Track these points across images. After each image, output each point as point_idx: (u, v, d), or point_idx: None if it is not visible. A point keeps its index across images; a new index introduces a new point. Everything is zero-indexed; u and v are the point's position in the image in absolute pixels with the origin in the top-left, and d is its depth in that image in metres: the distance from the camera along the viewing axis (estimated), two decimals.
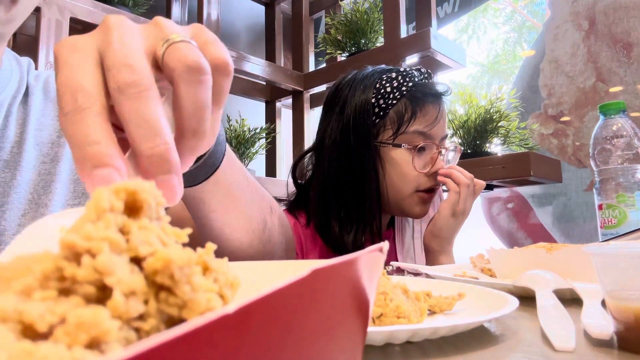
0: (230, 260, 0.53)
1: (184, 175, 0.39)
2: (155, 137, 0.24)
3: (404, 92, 0.89)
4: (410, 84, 0.90)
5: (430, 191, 0.91)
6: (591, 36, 2.17)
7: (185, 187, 0.40)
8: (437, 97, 0.91)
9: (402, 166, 0.88)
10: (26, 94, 0.60)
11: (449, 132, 1.50)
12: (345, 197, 0.89)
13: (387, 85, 0.90)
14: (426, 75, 0.94)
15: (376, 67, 0.97)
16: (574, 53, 2.22)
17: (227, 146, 0.47)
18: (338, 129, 0.90)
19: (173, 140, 0.25)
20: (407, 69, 0.92)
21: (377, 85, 0.90)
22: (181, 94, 0.26)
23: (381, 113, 0.89)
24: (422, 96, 0.89)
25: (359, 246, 0.87)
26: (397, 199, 0.90)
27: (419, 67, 0.95)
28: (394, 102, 0.89)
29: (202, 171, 0.44)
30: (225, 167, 0.46)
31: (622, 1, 2.08)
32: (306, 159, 0.99)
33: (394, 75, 0.91)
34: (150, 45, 0.28)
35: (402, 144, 0.88)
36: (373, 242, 0.88)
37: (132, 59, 0.25)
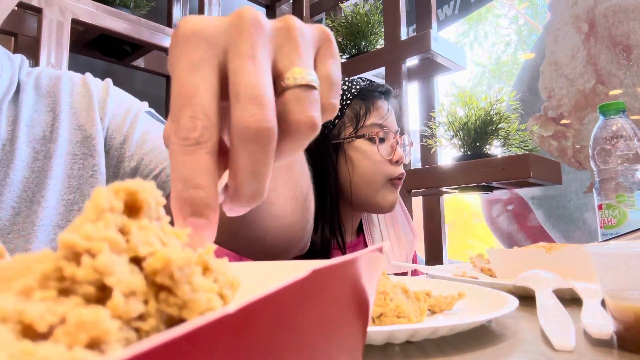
0: (270, 224, 0.52)
1: None
2: (260, 195, 0.24)
3: (354, 93, 0.98)
4: (358, 87, 0.99)
5: (398, 180, 0.98)
6: (591, 39, 2.17)
7: None
8: (383, 93, 1.00)
9: (370, 155, 0.95)
10: (17, 91, 0.59)
11: (450, 133, 1.50)
12: None
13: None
14: (367, 82, 1.03)
15: None
16: (574, 55, 2.22)
17: None
18: None
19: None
20: (348, 78, 1.03)
21: None
22: (285, 145, 0.25)
23: (339, 113, 0.96)
24: (370, 94, 0.99)
25: (326, 245, 0.93)
26: (371, 192, 0.96)
27: (359, 77, 1.05)
28: (348, 102, 0.97)
29: None
30: None
31: (622, 4, 2.08)
32: None
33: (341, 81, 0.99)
34: (278, 62, 0.26)
35: (365, 134, 0.96)
36: (337, 242, 0.95)
37: (261, 90, 0.23)
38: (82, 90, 0.63)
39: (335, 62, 0.29)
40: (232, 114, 0.23)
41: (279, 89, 0.26)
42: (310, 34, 0.29)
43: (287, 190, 0.50)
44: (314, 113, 0.25)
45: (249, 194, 0.24)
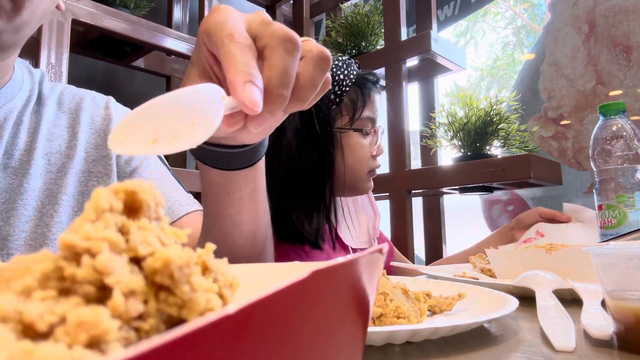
0: (241, 240, 0.54)
1: (221, 156, 0.44)
2: (287, 88, 0.32)
3: (353, 80, 0.94)
4: (355, 72, 0.94)
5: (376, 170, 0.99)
6: (591, 39, 2.17)
7: (218, 168, 0.44)
8: (376, 84, 0.98)
9: (360, 149, 0.95)
10: (39, 103, 0.61)
11: (450, 134, 1.50)
12: (306, 184, 0.92)
13: (339, 72, 0.93)
14: (358, 65, 0.99)
15: None
16: (574, 56, 2.22)
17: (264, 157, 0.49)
18: (299, 116, 0.91)
19: None
20: (344, 58, 0.97)
21: (331, 73, 0.93)
22: (276, 57, 0.32)
23: (337, 100, 0.93)
24: (367, 84, 0.96)
25: (318, 231, 0.91)
26: (355, 180, 0.96)
27: (348, 57, 0.99)
28: (347, 89, 0.93)
29: (239, 159, 0.45)
30: (258, 169, 0.48)
31: (622, 4, 2.08)
32: None
33: (339, 63, 0.95)
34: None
35: (362, 129, 0.94)
36: (330, 228, 0.95)
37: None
38: (103, 113, 0.66)
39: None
40: (263, 35, 0.34)
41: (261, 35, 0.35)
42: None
43: (249, 228, 0.52)
44: (291, 32, 0.34)
45: (277, 90, 0.32)
